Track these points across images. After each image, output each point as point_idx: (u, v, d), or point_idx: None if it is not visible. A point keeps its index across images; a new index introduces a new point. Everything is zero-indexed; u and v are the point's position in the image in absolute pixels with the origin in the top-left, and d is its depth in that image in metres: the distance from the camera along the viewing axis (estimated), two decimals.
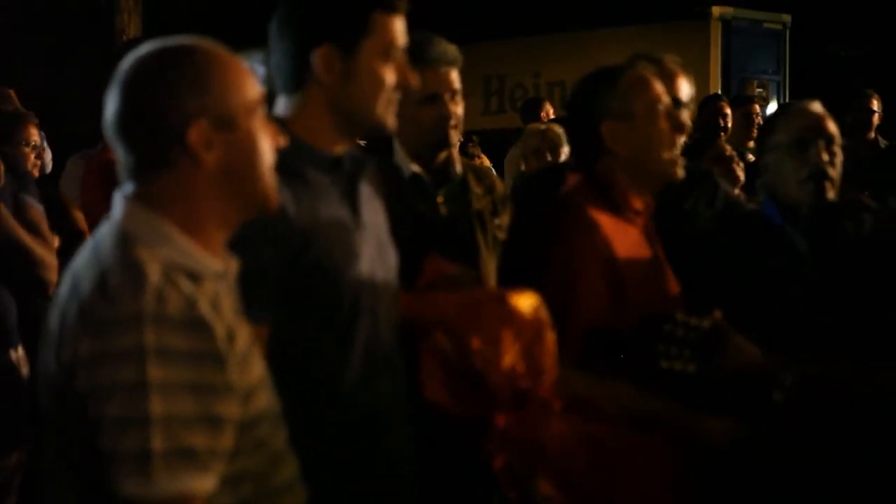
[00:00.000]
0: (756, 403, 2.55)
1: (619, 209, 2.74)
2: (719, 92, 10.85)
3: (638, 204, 2.77)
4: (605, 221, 2.68)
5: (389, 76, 2.26)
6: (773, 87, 12.18)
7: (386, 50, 2.25)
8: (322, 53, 2.22)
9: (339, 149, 2.30)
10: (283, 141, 1.89)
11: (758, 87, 11.91)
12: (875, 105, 7.43)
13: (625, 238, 2.70)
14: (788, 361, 2.52)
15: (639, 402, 2.60)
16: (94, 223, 3.91)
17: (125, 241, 1.75)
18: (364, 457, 2.26)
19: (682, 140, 2.79)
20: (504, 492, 2.39)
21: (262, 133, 1.84)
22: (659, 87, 2.78)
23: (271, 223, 2.04)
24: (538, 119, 7.42)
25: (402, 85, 2.29)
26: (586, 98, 2.80)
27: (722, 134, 7.02)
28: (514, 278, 2.64)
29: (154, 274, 1.70)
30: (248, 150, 1.83)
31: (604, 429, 2.45)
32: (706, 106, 7.52)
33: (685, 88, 3.15)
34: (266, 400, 1.86)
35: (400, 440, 2.34)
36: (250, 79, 1.85)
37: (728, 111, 7.31)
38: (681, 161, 2.77)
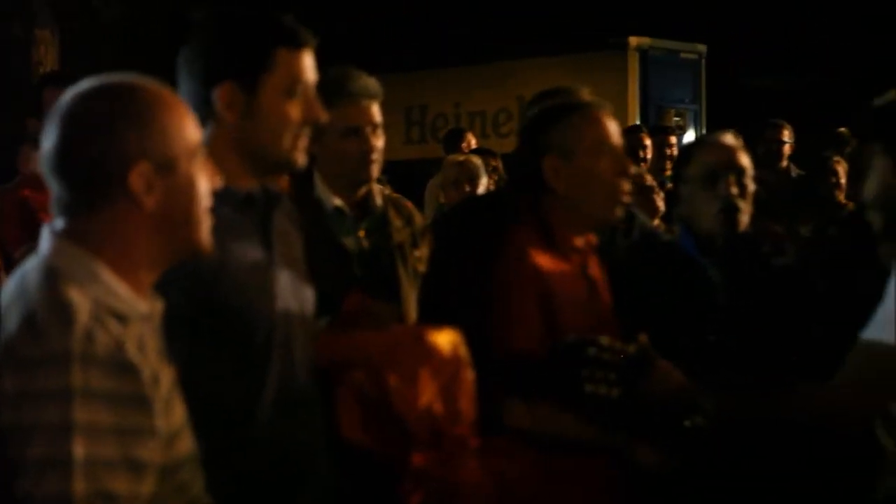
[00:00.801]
0: (677, 429, 2.57)
1: (554, 246, 2.71)
2: (637, 121, 11.02)
3: (578, 241, 2.74)
4: (540, 256, 2.65)
5: (294, 112, 2.23)
6: (690, 117, 12.35)
7: (290, 86, 2.22)
8: (223, 91, 2.19)
9: (250, 185, 2.27)
10: (218, 182, 1.87)
11: (675, 116, 12.08)
12: (786, 135, 7.59)
13: (560, 273, 2.68)
14: (709, 388, 2.54)
15: (577, 434, 2.59)
16: (9, 258, 3.85)
17: (54, 277, 1.71)
18: (279, 498, 2.22)
19: (626, 185, 2.74)
20: None
21: (201, 176, 1.83)
22: (610, 127, 2.74)
23: (181, 262, 2.01)
24: (460, 150, 7.45)
25: (309, 121, 2.25)
26: (532, 130, 2.77)
27: (642, 164, 7.13)
28: (434, 311, 2.63)
29: (83, 313, 1.66)
30: (187, 194, 1.81)
31: (518, 469, 2.45)
32: (625, 136, 7.63)
33: None
34: (188, 444, 1.84)
35: (316, 479, 2.30)
36: (191, 121, 1.83)
37: (647, 142, 7.44)
38: (620, 209, 2.74)
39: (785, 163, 7.55)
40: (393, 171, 10.96)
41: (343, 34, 13.64)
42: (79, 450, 1.60)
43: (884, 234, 2.60)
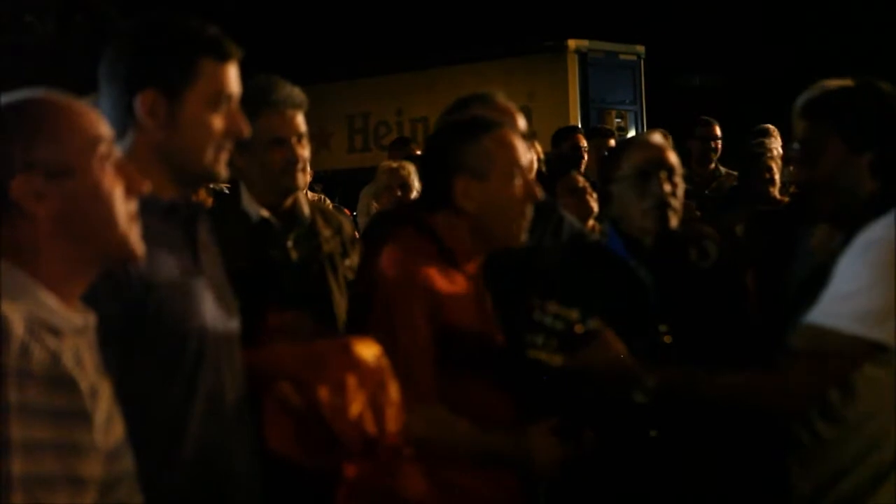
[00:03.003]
0: (617, 403, 2.57)
1: (447, 261, 2.69)
2: (578, 124, 11.08)
3: (471, 267, 2.74)
4: (428, 264, 2.64)
5: (217, 124, 2.21)
6: (630, 117, 12.46)
7: (214, 97, 2.20)
8: (145, 98, 2.17)
9: (173, 195, 2.24)
10: (146, 188, 1.84)
11: (616, 117, 12.17)
12: (717, 133, 7.66)
13: (448, 280, 2.67)
14: (652, 364, 2.54)
15: (469, 439, 2.59)
16: None
17: None
18: None
19: (531, 210, 2.74)
20: None
21: (109, 179, 1.79)
22: (520, 150, 2.73)
23: (109, 273, 1.98)
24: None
25: (232, 134, 2.23)
26: (444, 148, 2.75)
27: (581, 165, 7.16)
28: (357, 321, 2.62)
29: (18, 328, 1.63)
30: (91, 197, 1.77)
31: (457, 472, 2.44)
32: (561, 138, 7.67)
33: (522, 122, 3.16)
34: (127, 460, 1.81)
35: (249, 493, 2.27)
36: (93, 124, 1.80)
37: (584, 143, 7.47)
38: (523, 232, 2.74)
39: (713, 165, 7.62)
40: (337, 180, 10.98)
41: (282, 43, 13.60)
42: (16, 467, 1.57)
43: (829, 216, 2.62)
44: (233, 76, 2.23)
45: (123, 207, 1.80)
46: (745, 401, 2.53)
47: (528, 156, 2.77)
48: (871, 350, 2.35)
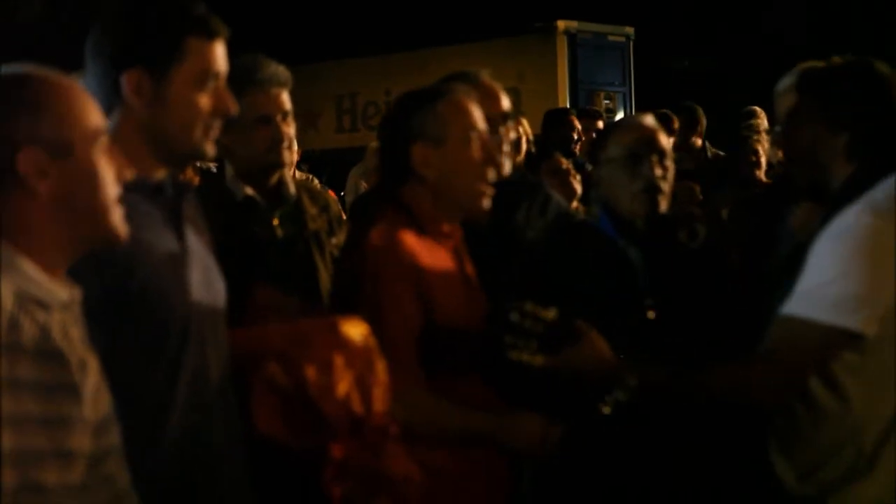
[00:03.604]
0: (596, 403, 2.56)
1: (425, 232, 2.69)
2: (567, 105, 11.06)
3: (445, 228, 2.73)
4: (414, 242, 2.64)
5: (204, 103, 2.20)
6: (619, 99, 12.46)
7: (201, 76, 2.19)
8: (131, 76, 2.16)
9: (159, 174, 2.23)
10: (129, 174, 1.84)
11: (605, 98, 12.16)
12: (701, 117, 7.69)
13: (434, 259, 2.67)
14: (633, 363, 2.54)
15: (452, 421, 2.59)
16: None
17: None
18: (197, 492, 2.18)
19: (492, 174, 2.73)
20: None
21: (103, 163, 1.80)
22: (476, 115, 2.72)
23: (92, 252, 1.96)
24: None
25: (219, 113, 2.22)
26: (400, 118, 2.74)
27: (576, 147, 7.14)
28: (343, 300, 2.60)
29: (7, 302, 1.64)
30: (87, 179, 1.78)
31: (443, 453, 2.43)
32: (554, 120, 7.65)
33: (506, 102, 3.15)
34: (114, 435, 1.82)
35: (234, 473, 2.27)
36: (91, 107, 1.81)
37: (577, 125, 7.44)
38: (488, 195, 2.72)
39: (700, 142, 7.64)
40: (325, 160, 10.96)
41: (270, 23, 13.54)
42: (6, 441, 1.58)
43: (807, 192, 2.62)
44: (220, 55, 2.22)
45: (113, 192, 1.82)
46: (726, 397, 2.52)
47: (484, 123, 2.74)
48: (847, 339, 2.34)
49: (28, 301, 1.68)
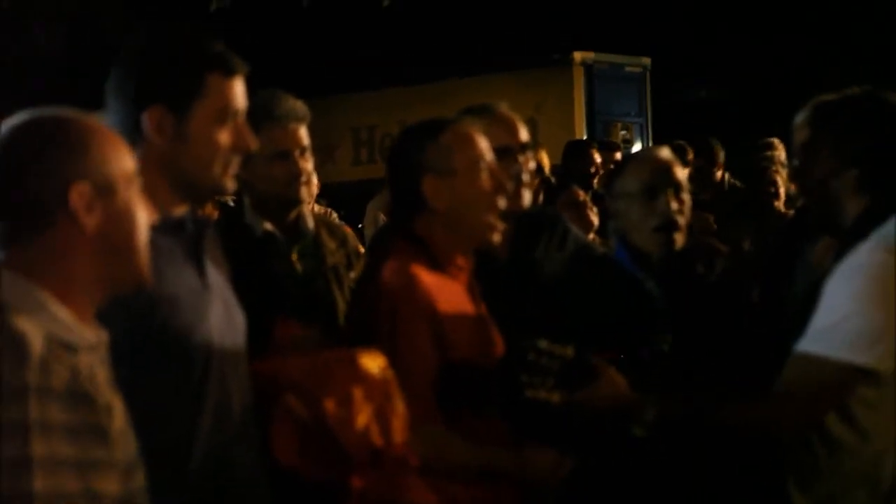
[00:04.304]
0: (616, 437, 2.56)
1: (439, 266, 2.69)
2: (584, 136, 11.07)
3: (459, 260, 2.73)
4: (428, 279, 2.63)
5: (225, 139, 2.22)
6: (636, 130, 12.46)
7: (221, 113, 2.22)
8: (153, 114, 2.18)
9: (180, 211, 2.25)
10: (154, 216, 1.86)
11: (622, 129, 12.17)
12: (719, 151, 7.69)
13: (448, 294, 2.66)
14: (651, 397, 2.53)
15: (467, 456, 2.58)
16: None
17: (3, 311, 1.69)
18: None
19: (503, 202, 2.73)
20: None
21: (140, 206, 1.83)
22: (482, 145, 2.73)
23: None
24: None
25: (239, 149, 2.25)
26: (408, 151, 2.74)
27: (594, 181, 7.11)
28: (358, 335, 2.61)
29: (37, 345, 1.65)
30: (126, 220, 1.81)
31: (461, 486, 2.43)
32: (574, 152, 7.63)
33: (524, 133, 3.15)
34: (140, 476, 1.82)
35: None
36: (126, 149, 1.84)
37: (597, 158, 7.40)
38: (499, 225, 2.72)
39: (720, 174, 7.62)
40: (342, 193, 10.98)
41: (287, 57, 13.62)
42: (38, 484, 1.58)
43: (821, 227, 2.62)
44: (240, 91, 2.25)
45: (146, 235, 1.85)
46: (743, 433, 2.52)
47: (491, 153, 2.74)
48: (862, 375, 2.34)
49: (57, 344, 1.69)
